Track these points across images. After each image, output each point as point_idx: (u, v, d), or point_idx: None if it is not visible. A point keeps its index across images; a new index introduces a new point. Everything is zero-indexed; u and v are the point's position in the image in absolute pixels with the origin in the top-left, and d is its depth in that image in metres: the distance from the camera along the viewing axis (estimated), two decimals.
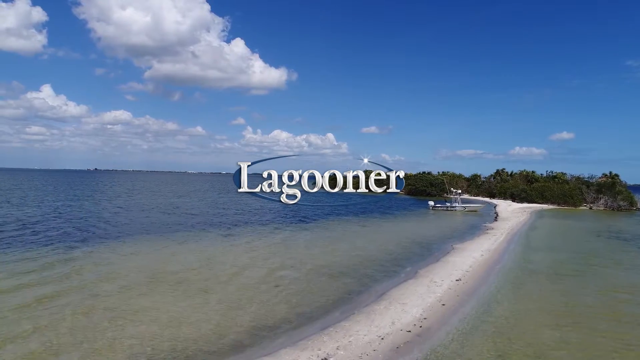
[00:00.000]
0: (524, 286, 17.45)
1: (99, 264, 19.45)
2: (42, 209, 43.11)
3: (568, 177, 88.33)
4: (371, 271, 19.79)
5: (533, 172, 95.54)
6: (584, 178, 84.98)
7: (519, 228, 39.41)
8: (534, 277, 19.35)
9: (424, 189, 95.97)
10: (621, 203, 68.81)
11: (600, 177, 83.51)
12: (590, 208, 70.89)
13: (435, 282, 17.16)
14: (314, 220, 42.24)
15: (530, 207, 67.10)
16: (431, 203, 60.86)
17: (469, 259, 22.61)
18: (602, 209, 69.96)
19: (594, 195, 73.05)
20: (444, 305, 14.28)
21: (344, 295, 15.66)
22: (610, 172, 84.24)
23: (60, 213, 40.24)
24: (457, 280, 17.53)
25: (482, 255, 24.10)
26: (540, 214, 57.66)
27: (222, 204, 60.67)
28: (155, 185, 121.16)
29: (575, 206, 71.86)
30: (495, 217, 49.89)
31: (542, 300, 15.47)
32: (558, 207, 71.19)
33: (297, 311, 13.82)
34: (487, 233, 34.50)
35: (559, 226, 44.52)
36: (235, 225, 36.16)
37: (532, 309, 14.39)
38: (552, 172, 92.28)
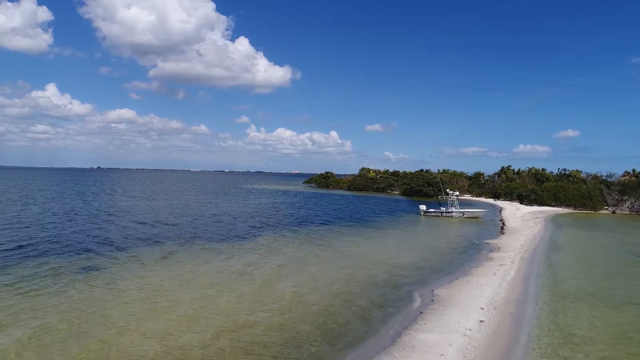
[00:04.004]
0: None
1: None
2: None
3: (583, 175, 77.02)
4: None
5: (543, 169, 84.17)
6: (601, 177, 73.68)
7: (534, 246, 28.73)
8: None
9: (420, 188, 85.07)
10: None
11: (622, 176, 72.03)
12: (614, 212, 59.68)
13: None
14: (272, 232, 32.27)
15: (542, 212, 56.18)
16: (423, 207, 49.86)
17: (457, 336, 12.00)
18: (627, 213, 58.81)
19: (616, 196, 61.61)
20: None
21: None
22: (634, 170, 72.92)
23: None
24: None
25: (483, 320, 13.50)
26: (556, 221, 46.68)
27: (181, 207, 50.75)
28: (136, 184, 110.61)
29: (595, 210, 60.53)
30: (502, 228, 39.11)
31: None
32: (575, 211, 60.10)
33: None
34: (491, 259, 23.81)
35: (588, 243, 33.35)
36: (157, 242, 26.80)
37: None
38: (565, 170, 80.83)
